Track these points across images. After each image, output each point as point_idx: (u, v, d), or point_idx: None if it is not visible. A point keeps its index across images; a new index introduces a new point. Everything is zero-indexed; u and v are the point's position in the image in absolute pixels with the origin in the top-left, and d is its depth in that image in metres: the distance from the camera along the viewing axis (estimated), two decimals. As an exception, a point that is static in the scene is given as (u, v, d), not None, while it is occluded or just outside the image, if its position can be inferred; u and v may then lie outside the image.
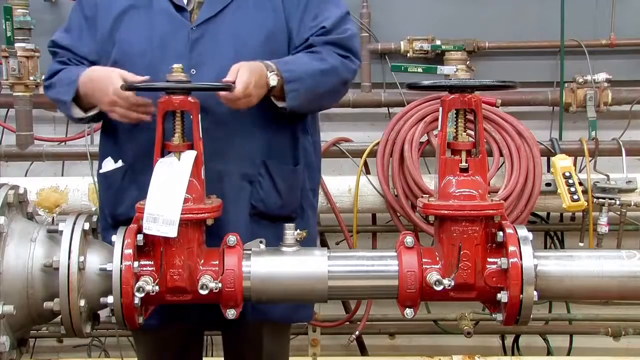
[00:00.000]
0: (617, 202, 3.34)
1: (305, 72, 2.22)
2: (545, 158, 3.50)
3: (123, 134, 2.33)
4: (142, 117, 2.17)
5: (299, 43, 2.31)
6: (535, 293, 2.00)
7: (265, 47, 2.26)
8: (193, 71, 2.20)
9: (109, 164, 2.38)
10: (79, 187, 3.42)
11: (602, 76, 3.61)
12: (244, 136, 2.27)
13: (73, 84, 2.26)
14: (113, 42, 2.30)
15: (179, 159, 2.03)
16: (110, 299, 1.97)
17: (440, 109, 2.06)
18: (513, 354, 3.84)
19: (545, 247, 3.80)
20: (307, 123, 2.40)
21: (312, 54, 2.28)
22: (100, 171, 2.42)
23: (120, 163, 2.35)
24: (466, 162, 2.05)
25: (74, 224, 2.04)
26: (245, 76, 2.09)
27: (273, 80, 2.16)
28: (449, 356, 3.56)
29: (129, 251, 1.98)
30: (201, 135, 2.04)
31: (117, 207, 2.34)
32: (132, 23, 2.30)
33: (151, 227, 1.97)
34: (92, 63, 2.32)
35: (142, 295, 1.95)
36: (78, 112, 2.30)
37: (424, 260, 2.05)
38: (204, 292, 1.98)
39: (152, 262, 2.02)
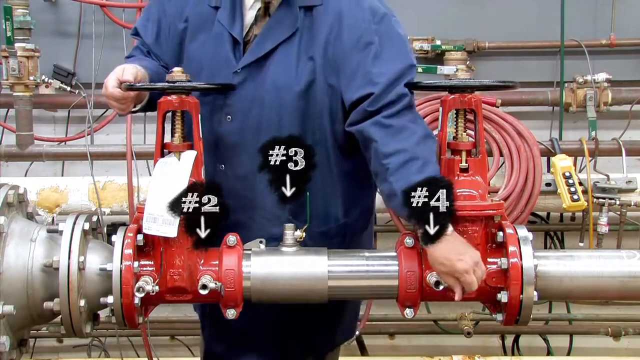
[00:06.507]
0: (617, 202, 3.33)
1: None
2: (545, 158, 3.50)
3: None
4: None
5: (350, 101, 2.14)
6: (535, 293, 2.00)
7: (303, 100, 2.15)
8: (229, 118, 2.17)
9: None
10: (79, 187, 3.41)
11: (602, 76, 3.61)
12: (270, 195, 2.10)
13: None
14: (181, 51, 2.27)
15: (179, 159, 2.03)
16: (110, 299, 1.97)
17: (440, 109, 2.06)
18: (513, 354, 3.83)
19: (545, 247, 3.79)
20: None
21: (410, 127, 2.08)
22: None
23: None
24: (466, 162, 2.05)
25: (74, 224, 2.04)
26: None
27: None
28: (449, 356, 3.55)
29: (129, 251, 1.98)
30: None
31: None
32: (195, 39, 2.24)
33: (151, 227, 1.97)
34: (165, 65, 2.27)
35: (142, 295, 1.95)
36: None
37: (424, 260, 2.05)
38: (204, 292, 1.98)
39: (152, 262, 2.02)
